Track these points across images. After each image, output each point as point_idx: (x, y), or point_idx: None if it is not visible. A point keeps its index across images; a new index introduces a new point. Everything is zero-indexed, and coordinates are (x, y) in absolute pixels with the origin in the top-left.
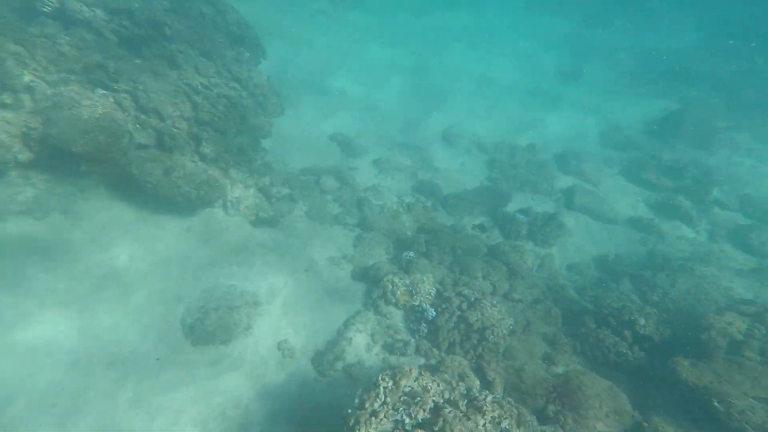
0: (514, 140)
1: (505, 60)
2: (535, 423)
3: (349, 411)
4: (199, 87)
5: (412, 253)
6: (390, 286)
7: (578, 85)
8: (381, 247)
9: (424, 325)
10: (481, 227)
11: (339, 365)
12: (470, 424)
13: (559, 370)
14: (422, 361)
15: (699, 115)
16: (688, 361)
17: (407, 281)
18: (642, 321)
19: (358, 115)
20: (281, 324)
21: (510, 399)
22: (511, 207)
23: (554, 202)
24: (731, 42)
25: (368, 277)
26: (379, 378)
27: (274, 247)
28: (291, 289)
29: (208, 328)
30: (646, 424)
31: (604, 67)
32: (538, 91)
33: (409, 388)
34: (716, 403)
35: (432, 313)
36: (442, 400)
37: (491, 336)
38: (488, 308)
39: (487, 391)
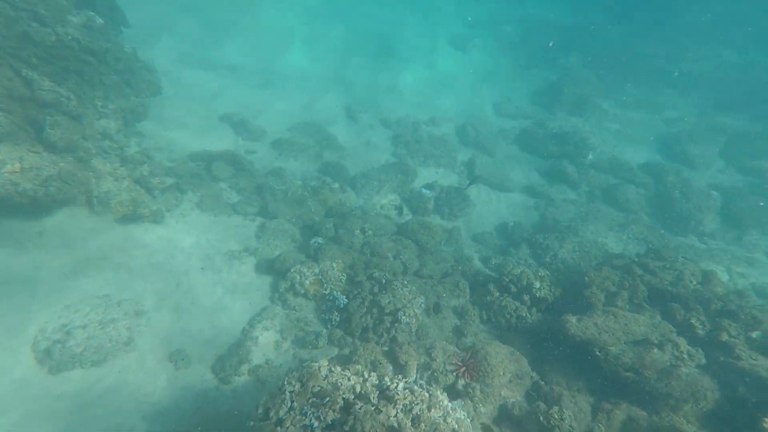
0: (416, 115)
1: (403, 28)
2: (446, 402)
3: (251, 423)
4: (33, 59)
5: (320, 239)
6: (298, 277)
7: (470, 58)
8: (287, 235)
9: (336, 313)
10: (399, 209)
11: (244, 368)
12: (381, 417)
13: (468, 340)
14: (335, 351)
15: (573, 85)
16: (575, 317)
17: (316, 270)
18: (537, 284)
19: (253, 93)
20: (173, 331)
21: (422, 381)
22: (418, 182)
23: (457, 175)
24: (592, 27)
25: (274, 270)
26: (285, 382)
27: (159, 249)
28: (184, 290)
29: (73, 350)
30: (543, 382)
31: (491, 39)
32: (434, 63)
33: (319, 388)
34: (597, 352)
35: (343, 300)
36: (353, 396)
37: (404, 317)
38: (399, 289)
39: (400, 376)
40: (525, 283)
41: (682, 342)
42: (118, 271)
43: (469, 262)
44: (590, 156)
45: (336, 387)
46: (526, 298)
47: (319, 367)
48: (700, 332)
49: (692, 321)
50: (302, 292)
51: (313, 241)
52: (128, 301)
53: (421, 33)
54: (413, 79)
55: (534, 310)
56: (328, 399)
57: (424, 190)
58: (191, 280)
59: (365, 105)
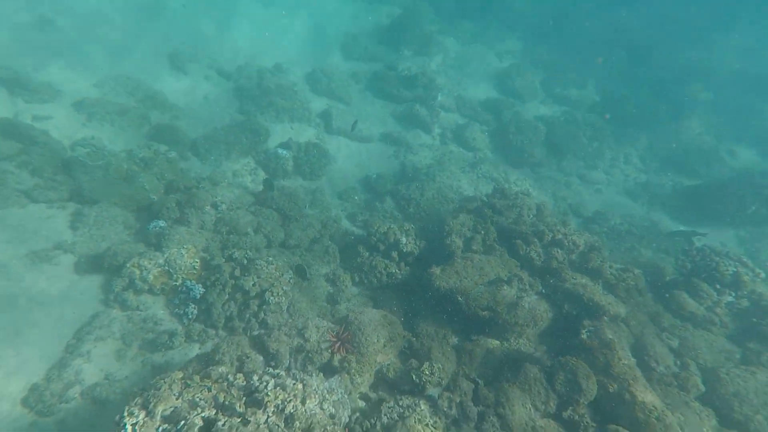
0: (258, 62)
1: None
2: (321, 386)
3: None
4: None
5: (161, 223)
6: (138, 272)
7: None
8: (116, 222)
9: (193, 305)
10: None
11: (74, 392)
12: (250, 428)
13: (342, 307)
14: (196, 348)
15: (415, 20)
16: (440, 268)
17: (161, 260)
18: (404, 239)
19: (24, 36)
20: None
21: (294, 371)
22: (273, 141)
23: (314, 128)
24: None
25: (104, 267)
26: (124, 414)
27: None
28: None
29: None
30: (414, 339)
31: None
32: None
33: (171, 410)
34: (459, 298)
35: (199, 289)
36: (215, 411)
37: (271, 297)
38: (264, 267)
39: (272, 369)
40: (392, 240)
41: (525, 275)
42: None
43: (336, 223)
44: (439, 98)
45: (193, 405)
46: (395, 254)
47: (170, 385)
48: (538, 263)
49: (531, 254)
50: (146, 288)
51: (152, 225)
52: None
53: None
54: (248, 21)
55: (403, 264)
56: (183, 424)
57: (280, 151)
58: None
59: (193, 53)
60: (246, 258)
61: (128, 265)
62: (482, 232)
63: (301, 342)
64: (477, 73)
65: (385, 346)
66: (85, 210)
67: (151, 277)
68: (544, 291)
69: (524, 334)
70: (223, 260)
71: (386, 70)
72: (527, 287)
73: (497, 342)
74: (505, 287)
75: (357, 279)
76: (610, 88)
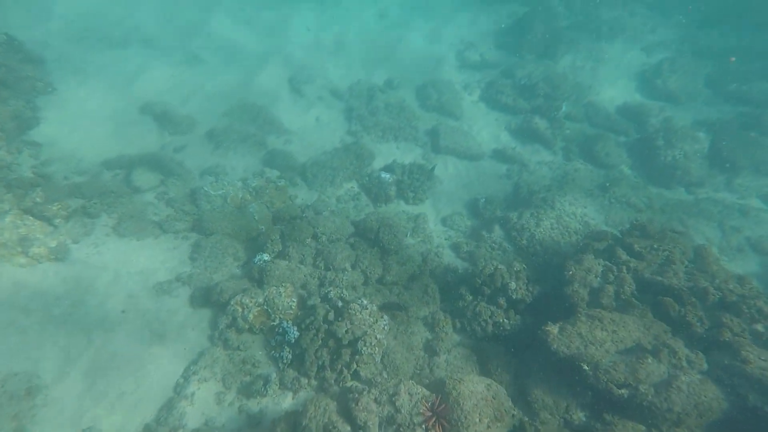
0: (370, 77)
1: None
2: None
3: None
4: None
5: (265, 256)
6: (240, 310)
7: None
8: (227, 254)
9: (288, 349)
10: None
11: None
12: None
13: (441, 360)
14: (289, 397)
15: (542, 20)
16: (557, 327)
17: (261, 298)
18: (513, 285)
19: (177, 72)
20: (84, 404)
21: None
22: (378, 162)
23: (421, 147)
24: None
25: (212, 301)
26: None
27: (63, 295)
28: (98, 346)
29: None
30: (526, 420)
31: None
32: (387, 11)
33: None
34: (585, 367)
35: (294, 333)
36: None
37: (364, 348)
38: (358, 312)
39: None
40: (500, 284)
41: (680, 346)
42: (5, 336)
43: (438, 257)
44: (563, 108)
45: None
46: (502, 300)
47: None
48: (699, 330)
49: (689, 318)
50: (246, 327)
51: (257, 259)
52: (18, 376)
53: None
54: (359, 31)
55: (512, 312)
56: None
57: (383, 175)
58: (108, 330)
59: (311, 73)
60: (341, 299)
61: (232, 302)
62: (614, 283)
63: (392, 412)
64: (615, 72)
65: (489, 427)
66: (202, 242)
67: (251, 316)
68: (710, 370)
69: (683, 423)
70: (319, 300)
71: (502, 78)
72: (683, 363)
73: (642, 427)
74: (649, 359)
75: (459, 325)
76: None
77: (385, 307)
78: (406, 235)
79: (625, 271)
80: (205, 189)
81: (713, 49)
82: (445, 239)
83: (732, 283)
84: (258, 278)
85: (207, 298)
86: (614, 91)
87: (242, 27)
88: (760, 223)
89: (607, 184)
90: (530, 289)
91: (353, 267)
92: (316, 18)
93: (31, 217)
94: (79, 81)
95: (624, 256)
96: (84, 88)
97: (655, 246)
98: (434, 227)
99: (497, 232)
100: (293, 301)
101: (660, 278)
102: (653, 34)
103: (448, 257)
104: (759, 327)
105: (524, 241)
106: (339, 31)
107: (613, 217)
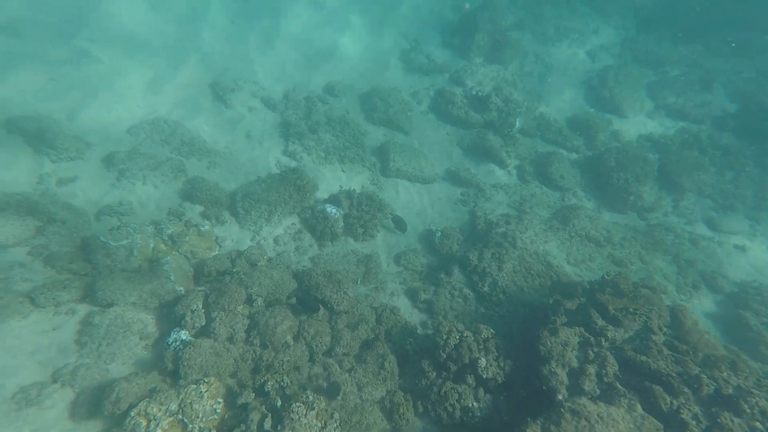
0: (307, 82)
1: None
2: None
3: None
4: None
5: (183, 335)
6: (144, 423)
7: None
8: (131, 332)
9: None
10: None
11: None
12: None
13: None
14: None
15: (488, 18)
16: (539, 425)
17: (174, 404)
18: (483, 362)
19: (59, 74)
20: None
21: None
22: (322, 189)
23: (369, 170)
24: None
25: (104, 412)
26: None
27: None
28: None
29: None
30: None
31: None
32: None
33: None
34: None
35: None
36: None
37: None
38: (303, 416)
39: None
40: (467, 359)
41: None
42: None
43: (393, 314)
44: (517, 124)
45: None
46: (471, 379)
47: None
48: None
49: (683, 416)
50: None
51: (171, 339)
52: None
53: None
54: (297, 28)
55: (482, 391)
56: None
57: (328, 209)
58: None
59: (237, 77)
60: (280, 393)
61: (132, 413)
62: (595, 362)
63: None
64: (563, 80)
65: None
66: (96, 318)
67: (159, 431)
68: None
69: None
70: (253, 395)
71: (452, 85)
72: None
73: None
74: None
75: (421, 409)
76: (748, 91)
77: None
78: (357, 282)
79: (604, 344)
80: (102, 239)
81: (652, 56)
82: (400, 283)
83: (725, 371)
84: (172, 369)
85: (97, 404)
86: (563, 100)
87: (145, 13)
88: (711, 255)
89: (565, 213)
90: (502, 365)
91: (296, 339)
92: (240, 7)
93: None
94: None
95: (600, 322)
96: None
97: (631, 310)
98: (387, 267)
99: (456, 275)
100: (218, 403)
101: (645, 358)
102: (596, 36)
103: (405, 307)
104: (758, 425)
105: (486, 288)
106: (268, 25)
107: (575, 254)
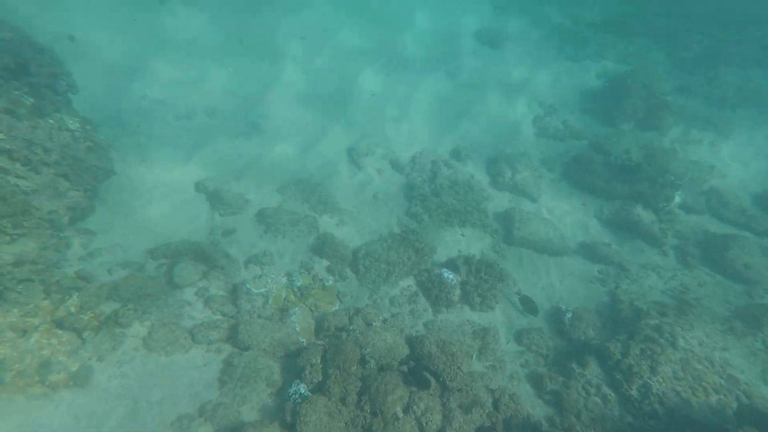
0: (435, 146)
1: (411, 35)
2: None
3: None
4: None
5: (302, 389)
6: None
7: (502, 54)
8: (260, 377)
9: None
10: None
11: None
12: None
13: None
14: None
15: (643, 80)
16: None
17: None
18: None
19: (233, 145)
20: None
21: None
22: (440, 252)
23: (490, 236)
24: None
25: None
26: None
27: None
28: None
29: None
30: None
31: (528, 25)
32: (459, 71)
33: None
34: None
35: None
36: None
37: None
38: None
39: None
40: None
41: None
42: None
43: (513, 402)
44: (677, 199)
45: None
46: None
47: None
48: None
49: None
50: None
51: (291, 392)
52: None
53: (438, 30)
54: (431, 95)
55: None
56: None
57: (445, 275)
58: None
59: (371, 142)
60: None
61: None
62: None
63: None
64: (746, 149)
65: None
66: (235, 359)
67: None
68: None
69: None
70: None
71: (591, 151)
72: None
73: None
74: None
75: None
76: None
77: None
78: (472, 357)
79: None
80: (247, 286)
81: None
82: (521, 365)
83: None
84: (290, 423)
85: None
86: (746, 173)
87: (307, 87)
88: None
89: (756, 315)
90: None
91: (405, 411)
92: (382, 81)
93: (59, 331)
94: (140, 158)
95: None
96: (144, 166)
97: None
98: (506, 345)
99: (593, 368)
100: None
101: None
102: None
103: (527, 395)
104: None
105: (634, 392)
106: (405, 93)
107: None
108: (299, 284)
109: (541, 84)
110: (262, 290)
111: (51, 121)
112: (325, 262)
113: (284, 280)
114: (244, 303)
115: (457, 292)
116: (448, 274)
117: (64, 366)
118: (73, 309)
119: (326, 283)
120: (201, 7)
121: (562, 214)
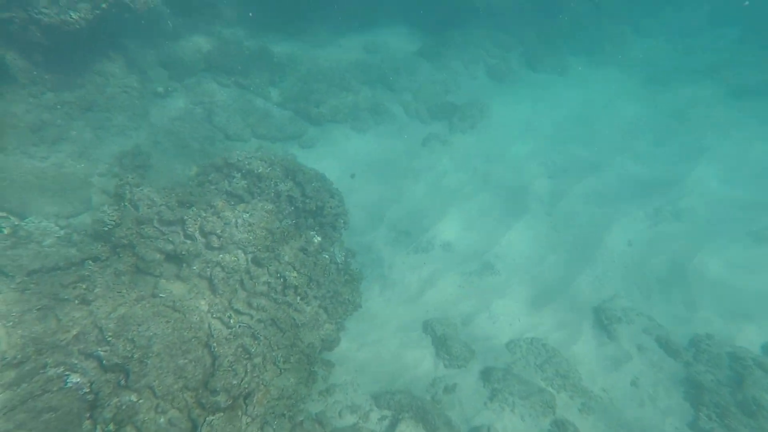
0: (734, 332)
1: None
2: None
3: None
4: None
5: None
6: None
7: None
8: None
9: None
10: None
11: None
12: None
13: None
14: None
15: None
16: None
17: None
18: None
19: (465, 282)
20: None
21: None
22: None
23: None
24: None
25: None
26: None
27: None
28: None
29: None
30: None
31: None
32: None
33: None
34: None
35: None
36: None
37: None
38: None
39: None
40: None
41: None
42: None
43: None
44: None
45: None
46: None
47: None
48: None
49: None
50: None
51: None
52: None
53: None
54: (724, 270)
55: None
56: None
57: None
58: None
59: (627, 306)
60: None
61: None
62: None
63: None
64: None
65: None
66: None
67: None
68: None
69: None
70: None
71: None
72: None
73: None
74: None
75: None
76: None
77: None
78: None
79: None
80: None
81: None
82: None
83: None
84: None
85: None
86: None
87: (545, 237)
88: None
89: None
90: None
91: None
92: (639, 232)
93: None
94: (379, 289)
95: None
96: (382, 298)
97: None
98: None
99: None
100: None
101: None
102: None
103: None
104: None
105: None
106: (676, 251)
107: None
108: None
109: None
110: None
111: (326, 255)
112: None
113: None
114: None
115: None
116: None
117: None
118: None
119: None
120: None
121: None
